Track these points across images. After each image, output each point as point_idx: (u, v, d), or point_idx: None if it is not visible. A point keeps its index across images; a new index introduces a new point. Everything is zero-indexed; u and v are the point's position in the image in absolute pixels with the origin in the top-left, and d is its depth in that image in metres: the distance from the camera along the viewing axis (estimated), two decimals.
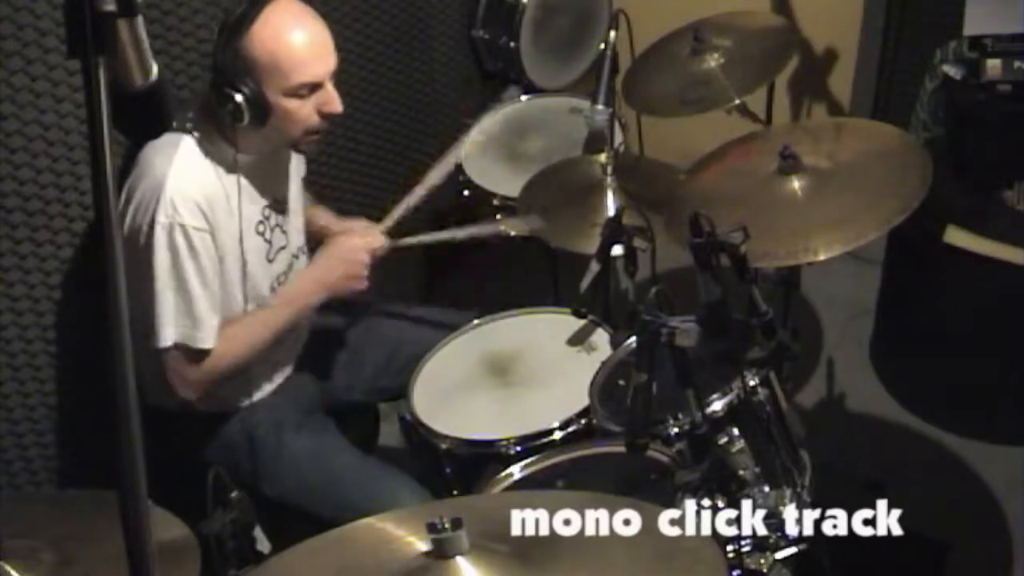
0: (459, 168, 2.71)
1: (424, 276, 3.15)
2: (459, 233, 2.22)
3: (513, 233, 2.19)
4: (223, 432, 2.05)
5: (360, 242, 2.07)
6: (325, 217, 2.26)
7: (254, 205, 1.95)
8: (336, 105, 1.87)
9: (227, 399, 2.04)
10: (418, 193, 2.20)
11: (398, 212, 2.17)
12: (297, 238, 2.11)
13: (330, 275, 2.03)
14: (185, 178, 1.81)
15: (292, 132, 1.88)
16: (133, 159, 1.86)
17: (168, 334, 1.83)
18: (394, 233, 2.14)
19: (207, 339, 1.87)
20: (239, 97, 1.78)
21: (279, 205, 2.03)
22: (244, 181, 1.90)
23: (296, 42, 1.80)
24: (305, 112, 1.85)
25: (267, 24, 1.78)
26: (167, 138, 1.84)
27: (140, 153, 1.84)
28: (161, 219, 1.78)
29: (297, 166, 2.13)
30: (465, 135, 2.45)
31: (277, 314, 1.99)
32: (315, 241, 2.17)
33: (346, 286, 2.04)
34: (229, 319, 1.93)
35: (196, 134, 1.85)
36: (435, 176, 2.23)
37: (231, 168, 1.88)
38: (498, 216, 2.20)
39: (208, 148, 1.86)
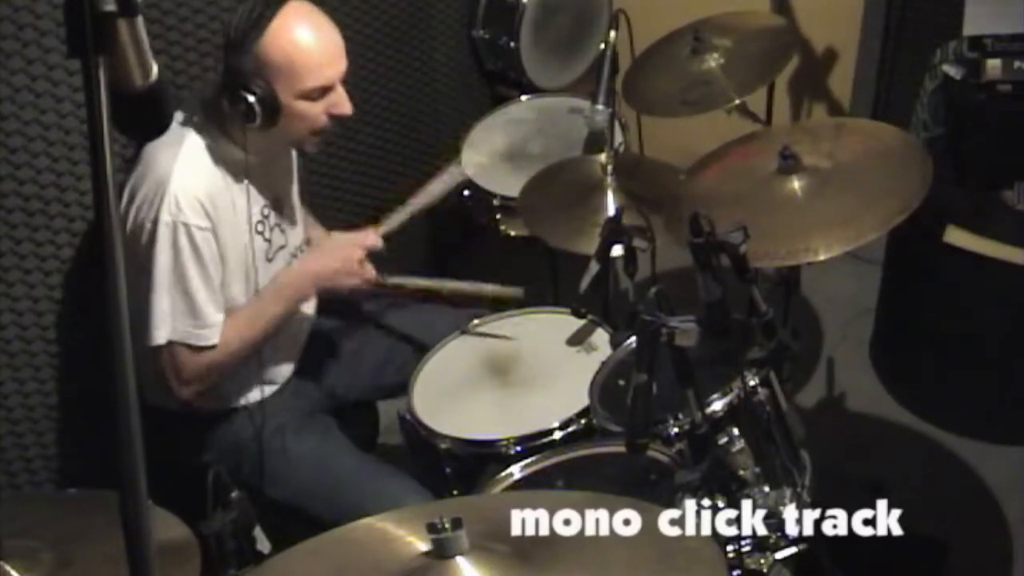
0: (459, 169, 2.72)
1: (423, 275, 3.15)
2: (448, 284, 2.27)
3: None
4: (226, 433, 2.05)
5: (354, 238, 2.08)
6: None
7: (255, 204, 1.95)
8: (346, 107, 1.88)
9: (223, 398, 2.03)
10: (418, 203, 2.22)
11: (397, 219, 2.19)
12: (296, 238, 2.11)
13: (324, 269, 2.02)
14: (189, 176, 1.81)
15: (299, 133, 1.89)
16: (126, 157, 1.86)
17: (163, 332, 1.83)
18: (392, 238, 2.16)
19: (210, 337, 1.87)
20: (252, 98, 1.78)
21: (279, 204, 2.03)
22: (246, 180, 1.90)
23: (312, 46, 1.80)
24: (314, 113, 1.86)
25: (283, 27, 1.78)
26: (171, 135, 1.84)
27: (143, 150, 1.85)
28: (165, 217, 1.78)
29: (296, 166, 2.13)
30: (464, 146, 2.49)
31: (268, 305, 1.97)
32: None
33: (341, 282, 2.03)
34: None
35: (199, 132, 1.85)
36: (437, 187, 2.25)
37: (235, 167, 1.88)
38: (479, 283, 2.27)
39: (212, 146, 1.86)
